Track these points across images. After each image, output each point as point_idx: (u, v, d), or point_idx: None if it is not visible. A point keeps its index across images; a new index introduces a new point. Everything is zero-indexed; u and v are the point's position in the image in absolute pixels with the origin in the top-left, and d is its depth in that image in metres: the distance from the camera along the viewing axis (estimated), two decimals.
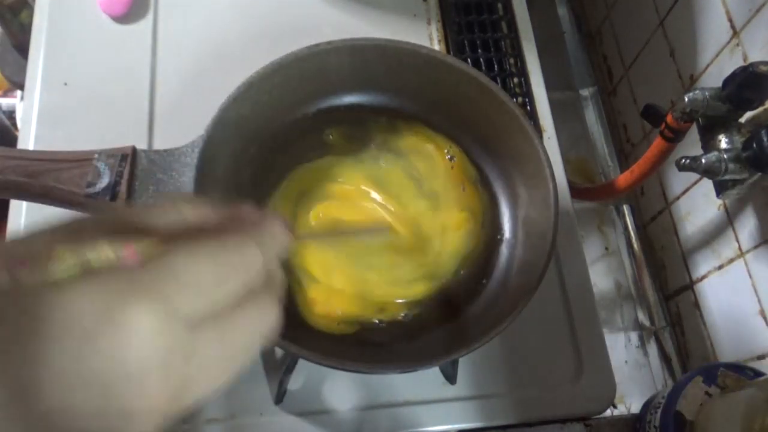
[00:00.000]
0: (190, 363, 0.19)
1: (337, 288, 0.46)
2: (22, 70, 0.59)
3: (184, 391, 0.20)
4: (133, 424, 0.18)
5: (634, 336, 0.70)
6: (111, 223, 0.22)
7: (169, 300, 0.19)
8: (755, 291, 0.54)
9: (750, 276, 0.54)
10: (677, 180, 0.65)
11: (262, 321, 0.22)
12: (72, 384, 0.17)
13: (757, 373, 0.47)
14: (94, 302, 0.18)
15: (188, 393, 0.20)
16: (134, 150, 0.43)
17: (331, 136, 0.52)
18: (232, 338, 0.21)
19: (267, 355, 0.51)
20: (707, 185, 0.55)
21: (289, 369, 0.48)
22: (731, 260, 0.57)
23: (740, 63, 0.53)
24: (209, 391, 0.21)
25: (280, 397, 0.49)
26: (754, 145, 0.44)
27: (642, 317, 0.70)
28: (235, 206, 0.25)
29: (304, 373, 0.49)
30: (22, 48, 0.69)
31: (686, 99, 0.48)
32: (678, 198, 0.65)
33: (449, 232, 0.49)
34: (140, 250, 0.20)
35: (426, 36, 0.65)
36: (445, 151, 0.52)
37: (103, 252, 0.20)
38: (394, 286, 0.47)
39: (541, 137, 0.51)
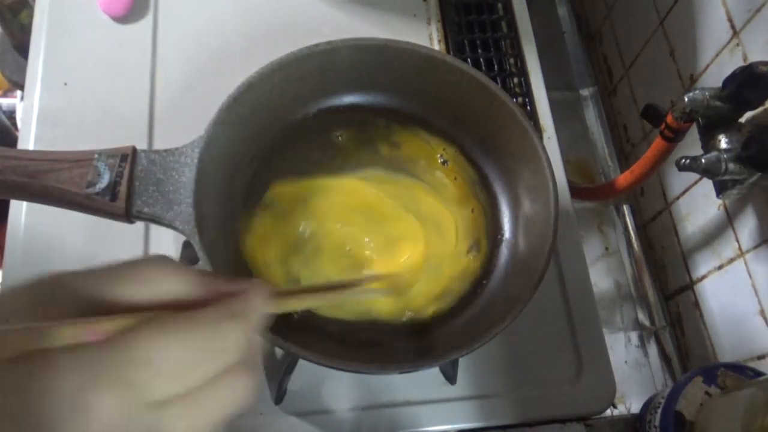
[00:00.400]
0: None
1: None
2: (22, 70, 0.59)
3: None
4: None
5: (634, 336, 0.70)
6: (78, 295, 0.20)
7: (137, 385, 0.18)
8: (755, 291, 0.54)
9: (750, 276, 0.54)
10: (677, 180, 0.65)
11: (236, 395, 0.22)
12: None
13: (757, 373, 0.47)
14: (60, 386, 0.18)
15: None
16: (134, 150, 0.43)
17: (339, 138, 0.51)
18: (203, 413, 0.21)
19: (267, 355, 0.51)
20: (707, 185, 0.55)
21: (289, 369, 0.48)
22: (731, 260, 0.57)
23: (740, 63, 0.53)
24: None
25: (280, 397, 0.49)
26: (754, 145, 0.44)
27: (642, 317, 0.70)
28: (215, 277, 0.23)
29: (304, 373, 0.49)
30: (22, 48, 0.69)
31: (686, 99, 0.48)
32: (678, 198, 0.65)
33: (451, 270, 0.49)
34: (108, 328, 0.19)
35: (426, 36, 0.65)
36: (438, 155, 0.51)
37: (68, 331, 0.19)
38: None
39: (541, 137, 0.51)
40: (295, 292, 0.34)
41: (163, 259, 0.22)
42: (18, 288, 0.20)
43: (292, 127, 0.51)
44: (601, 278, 0.72)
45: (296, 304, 0.33)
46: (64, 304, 0.20)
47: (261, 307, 0.23)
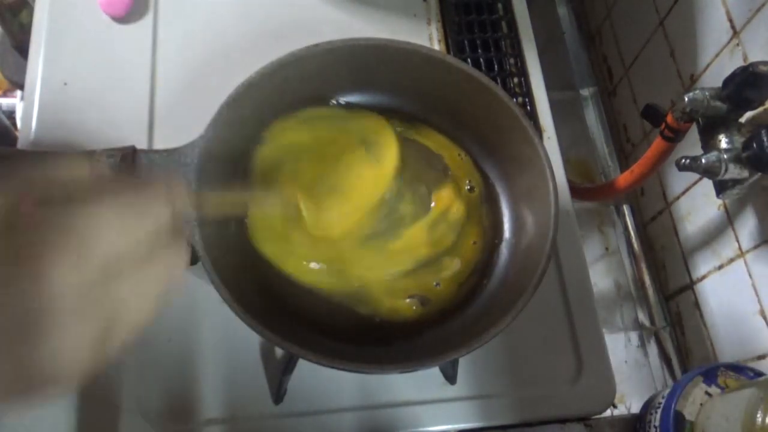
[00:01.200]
0: (111, 301, 0.21)
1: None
2: (22, 70, 0.59)
3: (111, 329, 0.21)
4: (63, 367, 0.20)
5: (634, 336, 0.70)
6: (16, 174, 0.23)
7: (80, 248, 0.20)
8: (755, 291, 0.54)
9: (750, 276, 0.54)
10: (677, 180, 0.65)
11: (173, 262, 0.25)
12: None
13: (757, 373, 0.47)
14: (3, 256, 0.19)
15: (111, 334, 0.22)
16: (134, 150, 0.43)
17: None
18: (146, 274, 0.23)
19: (267, 355, 0.51)
20: (707, 185, 0.55)
21: (289, 369, 0.48)
22: (731, 260, 0.57)
23: (740, 63, 0.53)
24: (134, 327, 0.23)
25: (279, 397, 0.49)
26: (754, 145, 0.44)
27: (642, 317, 0.70)
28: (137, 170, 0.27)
29: (304, 373, 0.49)
30: (22, 48, 0.69)
31: (686, 99, 0.48)
32: (678, 198, 0.65)
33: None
34: (47, 201, 0.21)
35: (426, 36, 0.65)
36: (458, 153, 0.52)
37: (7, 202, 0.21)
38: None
39: (541, 137, 0.51)
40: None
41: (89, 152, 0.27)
42: None
43: None
44: (601, 278, 0.72)
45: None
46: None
47: (180, 194, 0.26)
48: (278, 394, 0.49)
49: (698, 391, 0.46)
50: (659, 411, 0.47)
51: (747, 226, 0.54)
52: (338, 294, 0.46)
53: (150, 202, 0.24)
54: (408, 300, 0.47)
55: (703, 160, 0.47)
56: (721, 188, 0.50)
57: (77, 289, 0.20)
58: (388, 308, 0.46)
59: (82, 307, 0.20)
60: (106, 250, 0.21)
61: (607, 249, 0.74)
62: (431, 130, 0.52)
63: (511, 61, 0.65)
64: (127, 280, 0.22)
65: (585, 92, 0.82)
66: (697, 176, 0.59)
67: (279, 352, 0.51)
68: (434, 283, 0.48)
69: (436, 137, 0.52)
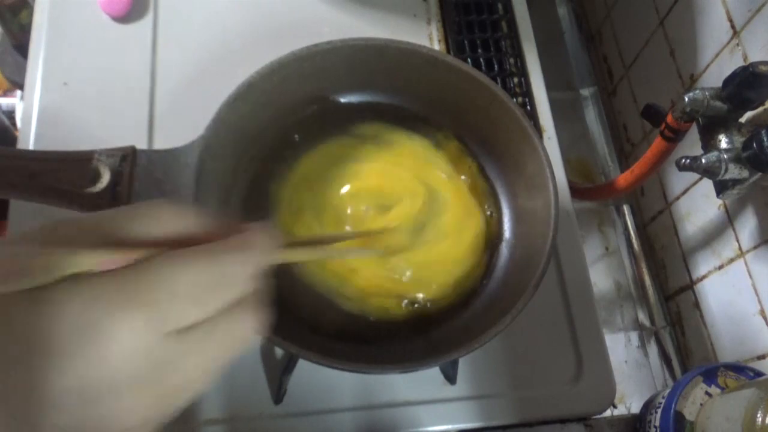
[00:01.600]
0: (176, 371, 0.19)
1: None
2: (22, 70, 0.59)
3: (169, 399, 0.19)
4: None
5: (634, 336, 0.70)
6: (95, 229, 0.20)
7: (157, 309, 0.18)
8: (755, 291, 0.54)
9: (750, 276, 0.54)
10: (677, 180, 0.65)
11: (244, 330, 0.22)
12: (63, 398, 0.17)
13: (757, 373, 0.47)
14: (81, 312, 0.17)
15: (173, 400, 0.20)
16: (134, 150, 0.43)
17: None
18: (216, 346, 0.21)
19: (267, 355, 0.51)
20: (707, 185, 0.55)
21: (289, 369, 0.48)
22: (731, 260, 0.57)
23: (740, 63, 0.53)
24: (192, 396, 0.21)
25: (279, 397, 0.49)
26: (754, 145, 0.44)
27: (642, 317, 0.70)
28: (222, 217, 0.24)
29: (304, 373, 0.49)
30: (22, 48, 0.69)
31: (686, 99, 0.48)
32: (678, 198, 0.65)
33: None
34: (126, 258, 0.19)
35: (426, 36, 0.65)
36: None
37: (87, 259, 0.19)
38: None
39: (541, 137, 0.51)
40: (298, 242, 0.35)
41: (170, 202, 0.22)
42: (28, 230, 0.20)
43: (293, 127, 0.51)
44: (601, 278, 0.72)
45: (299, 254, 0.34)
46: (74, 241, 0.19)
47: (267, 243, 0.23)
48: (278, 394, 0.49)
49: (698, 391, 0.46)
50: (659, 411, 0.47)
51: (747, 226, 0.54)
52: (322, 286, 0.46)
53: (239, 262, 0.21)
54: (397, 299, 0.47)
55: (703, 160, 0.47)
56: (721, 188, 0.50)
57: (148, 354, 0.18)
58: (376, 307, 0.46)
59: (147, 373, 0.18)
60: (180, 316, 0.19)
61: (607, 249, 0.74)
62: (431, 129, 0.52)
63: (511, 61, 0.65)
64: (194, 349, 0.20)
65: (585, 92, 0.82)
66: (697, 176, 0.59)
67: (279, 352, 0.51)
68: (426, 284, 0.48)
69: (436, 138, 0.52)
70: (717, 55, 0.56)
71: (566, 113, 0.78)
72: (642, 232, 0.73)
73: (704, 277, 0.61)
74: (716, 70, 0.57)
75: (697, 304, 0.63)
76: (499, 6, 0.67)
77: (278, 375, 0.49)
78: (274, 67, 0.46)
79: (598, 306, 0.57)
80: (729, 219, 0.57)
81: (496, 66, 0.64)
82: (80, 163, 0.41)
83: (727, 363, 0.48)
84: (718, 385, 0.46)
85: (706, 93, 0.48)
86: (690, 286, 0.64)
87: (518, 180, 0.50)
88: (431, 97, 0.51)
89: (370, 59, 0.49)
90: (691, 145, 0.52)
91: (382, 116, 0.52)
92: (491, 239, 0.50)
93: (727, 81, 0.47)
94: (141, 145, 0.49)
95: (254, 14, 0.63)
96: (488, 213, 0.50)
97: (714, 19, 0.56)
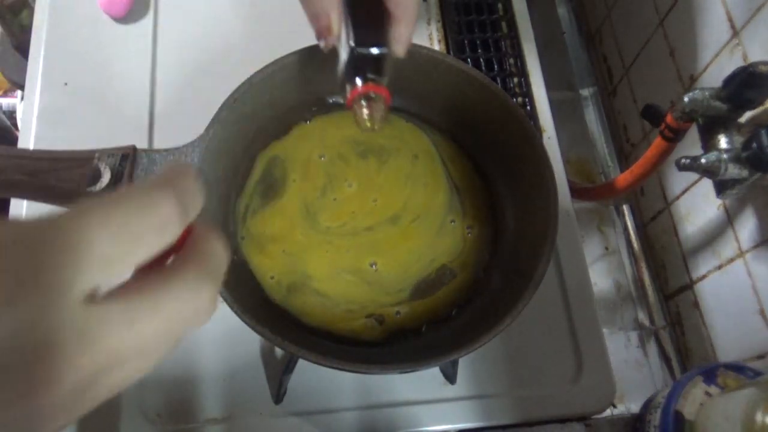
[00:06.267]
0: (116, 337, 0.18)
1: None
2: (22, 70, 0.59)
3: (111, 368, 0.19)
4: (53, 398, 0.18)
5: (634, 336, 0.70)
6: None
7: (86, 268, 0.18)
8: (755, 291, 0.54)
9: (750, 276, 0.54)
10: (677, 180, 0.65)
11: (201, 297, 0.21)
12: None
13: (757, 373, 0.47)
14: (9, 272, 0.17)
15: (117, 370, 0.19)
16: (135, 149, 0.43)
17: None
18: (167, 315, 0.20)
19: (267, 355, 0.51)
20: (707, 185, 0.55)
21: (289, 369, 0.48)
22: (731, 260, 0.57)
23: (740, 63, 0.53)
24: (141, 369, 0.20)
25: (280, 397, 0.49)
26: (754, 145, 0.44)
27: (642, 317, 0.70)
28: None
29: (304, 373, 0.49)
30: (22, 48, 0.69)
31: (686, 99, 0.48)
32: (678, 198, 0.65)
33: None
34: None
35: (426, 36, 0.65)
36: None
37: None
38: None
39: (541, 137, 0.51)
40: None
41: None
42: None
43: (293, 127, 0.51)
44: (601, 278, 0.72)
45: None
46: None
47: (194, 190, 0.22)
48: (278, 394, 0.49)
49: (698, 390, 0.46)
50: (659, 411, 0.47)
51: (747, 226, 0.54)
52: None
53: (159, 201, 0.20)
54: (366, 320, 0.46)
55: (703, 160, 0.47)
56: (721, 188, 0.50)
57: (78, 316, 0.18)
58: (347, 329, 0.46)
59: (79, 333, 0.18)
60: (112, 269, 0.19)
61: (607, 249, 0.74)
62: (431, 129, 0.52)
63: (511, 61, 0.65)
64: (138, 316, 0.19)
65: (585, 92, 0.82)
66: (697, 176, 0.59)
67: (279, 352, 0.51)
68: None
69: (435, 138, 0.52)
70: (717, 55, 0.56)
71: (566, 113, 0.78)
72: (642, 232, 0.73)
73: (704, 277, 0.61)
74: (716, 70, 0.57)
75: (696, 304, 0.63)
76: (499, 6, 0.67)
77: (278, 375, 0.49)
78: (275, 67, 0.46)
79: (598, 306, 0.57)
80: (729, 219, 0.57)
81: (496, 66, 0.64)
82: (81, 163, 0.41)
83: (727, 363, 0.48)
84: (717, 385, 0.46)
85: (706, 93, 0.48)
86: (690, 286, 0.64)
87: (518, 180, 0.50)
88: (430, 98, 0.51)
89: None
90: (691, 145, 0.52)
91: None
92: (490, 242, 0.50)
93: (727, 81, 0.47)
94: (141, 144, 0.49)
95: (254, 14, 0.63)
96: (467, 231, 0.50)
97: (714, 19, 0.56)
